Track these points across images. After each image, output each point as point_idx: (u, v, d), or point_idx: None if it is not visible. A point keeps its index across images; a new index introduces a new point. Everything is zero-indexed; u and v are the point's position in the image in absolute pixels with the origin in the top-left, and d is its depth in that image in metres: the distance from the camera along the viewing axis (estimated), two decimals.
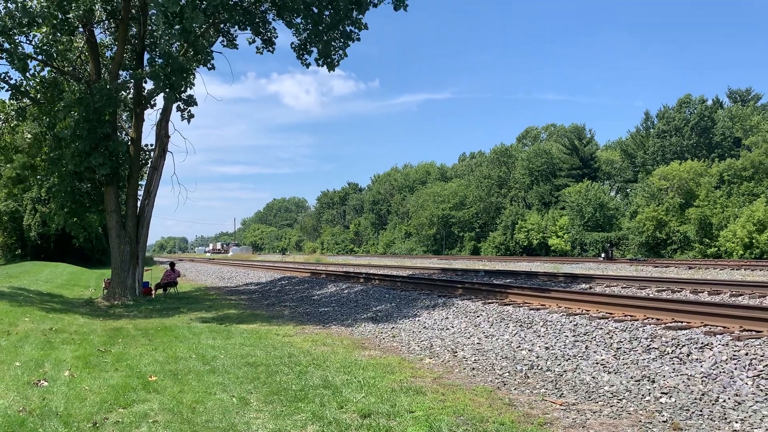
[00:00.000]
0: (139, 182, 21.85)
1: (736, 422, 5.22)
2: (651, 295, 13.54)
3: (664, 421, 5.41)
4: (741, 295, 13.28)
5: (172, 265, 24.57)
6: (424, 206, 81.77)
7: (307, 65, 20.75)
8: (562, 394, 6.56)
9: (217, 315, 15.22)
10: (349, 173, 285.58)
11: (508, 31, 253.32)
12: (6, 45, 17.98)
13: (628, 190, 66.17)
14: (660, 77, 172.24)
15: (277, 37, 21.34)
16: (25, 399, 6.50)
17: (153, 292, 21.76)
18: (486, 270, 26.28)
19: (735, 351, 7.00)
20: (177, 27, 15.06)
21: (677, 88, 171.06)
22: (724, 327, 8.21)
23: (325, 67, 20.03)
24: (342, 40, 19.94)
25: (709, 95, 77.59)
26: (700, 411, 5.59)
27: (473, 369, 7.92)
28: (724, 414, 5.45)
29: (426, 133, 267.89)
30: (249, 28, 20.63)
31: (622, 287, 16.07)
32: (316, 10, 18.90)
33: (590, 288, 16.43)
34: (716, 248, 44.23)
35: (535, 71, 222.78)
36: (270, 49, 21.74)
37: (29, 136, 21.93)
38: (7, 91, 19.73)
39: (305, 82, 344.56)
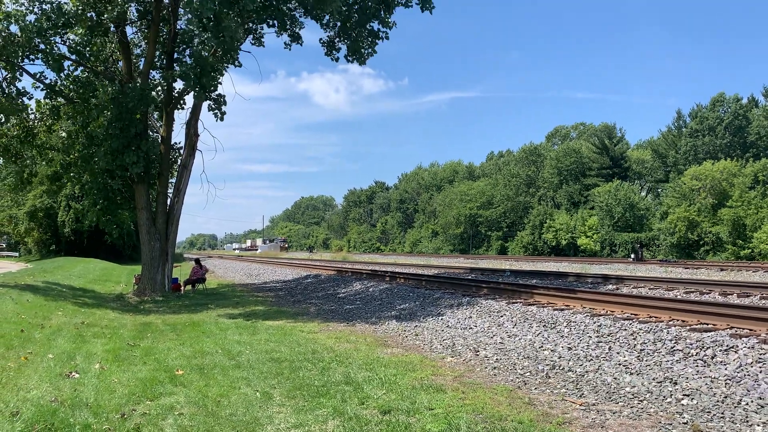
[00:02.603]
0: (169, 180, 22.25)
1: (758, 425, 5.18)
2: (678, 297, 13.38)
3: (684, 423, 5.39)
4: None
5: (197, 261, 24.95)
6: (451, 205, 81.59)
7: (336, 59, 21.00)
8: (583, 394, 6.56)
9: (244, 311, 15.44)
10: (376, 172, 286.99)
11: (538, 29, 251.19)
12: (42, 45, 18.49)
13: (659, 190, 65.24)
14: (693, 75, 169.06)
15: (303, 27, 21.46)
16: (58, 390, 6.72)
17: (182, 288, 22.15)
18: (512, 270, 26.16)
19: (761, 354, 6.92)
20: (210, 33, 15.29)
21: (711, 87, 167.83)
22: (751, 329, 8.10)
23: (355, 62, 20.24)
24: (370, 39, 20.06)
25: (744, 94, 75.88)
26: (722, 413, 5.55)
27: (494, 368, 7.95)
28: (746, 417, 5.40)
29: (454, 132, 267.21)
30: (277, 24, 20.85)
31: (650, 288, 15.89)
32: (344, 8, 19.05)
33: (617, 289, 16.28)
34: (750, 250, 43.33)
35: (565, 69, 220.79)
36: (299, 43, 21.87)
37: (64, 134, 22.48)
38: (42, 90, 20.27)
39: (335, 81, 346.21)
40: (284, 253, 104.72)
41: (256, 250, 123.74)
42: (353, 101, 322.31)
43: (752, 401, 5.74)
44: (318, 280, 24.66)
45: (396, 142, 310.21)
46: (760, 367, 6.55)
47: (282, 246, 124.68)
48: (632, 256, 43.71)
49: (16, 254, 75.73)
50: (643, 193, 66.37)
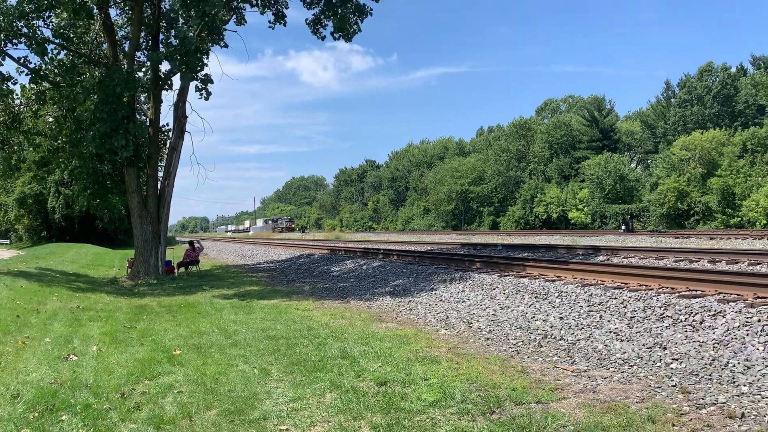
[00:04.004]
0: (159, 163, 22.15)
1: (744, 385, 5.32)
2: (668, 265, 13.54)
3: (673, 386, 5.53)
4: (759, 263, 13.23)
5: (191, 243, 24.93)
6: (443, 182, 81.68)
7: (323, 38, 20.94)
8: (575, 361, 6.69)
9: (239, 291, 15.53)
10: (367, 150, 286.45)
11: (525, 2, 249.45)
12: (24, 29, 18.24)
13: (648, 161, 65.53)
14: (682, 46, 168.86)
15: (287, 7, 21.32)
16: (57, 372, 6.79)
17: (176, 270, 22.17)
18: (504, 244, 26.33)
19: (747, 318, 7.06)
20: (193, 12, 15.16)
21: (700, 57, 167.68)
22: (738, 294, 8.25)
23: (341, 39, 20.19)
24: (356, 15, 19.94)
25: (732, 63, 76.01)
26: (709, 375, 5.69)
27: (488, 339, 8.08)
28: (733, 378, 5.55)
29: (444, 108, 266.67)
30: (260, 3, 20.68)
31: (640, 258, 16.07)
32: None
33: (607, 260, 16.45)
34: (739, 218, 43.76)
35: (553, 43, 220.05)
36: (282, 22, 21.71)
37: (51, 119, 22.29)
38: (26, 75, 20.03)
39: (323, 59, 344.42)
40: (276, 233, 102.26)
41: (249, 231, 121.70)
42: (342, 79, 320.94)
43: (739, 363, 5.89)
44: (311, 259, 24.75)
45: (386, 119, 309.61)
46: (747, 331, 6.69)
47: (288, 227, 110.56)
48: (623, 227, 44.06)
49: (7, 241, 75.33)
50: (633, 165, 66.66)
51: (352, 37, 20.06)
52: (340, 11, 19.58)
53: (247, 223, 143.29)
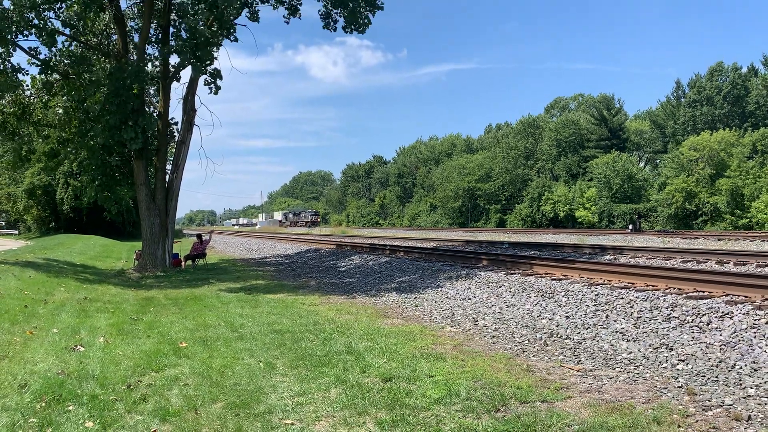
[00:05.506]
0: (167, 156, 22.20)
1: (751, 387, 5.29)
2: (675, 266, 13.48)
3: (679, 387, 5.51)
4: (767, 265, 13.15)
5: (199, 236, 24.99)
6: (450, 178, 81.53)
7: (334, 29, 20.95)
8: (580, 360, 6.68)
9: (245, 285, 15.57)
10: (375, 146, 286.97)
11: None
12: (36, 21, 18.30)
13: (657, 161, 65.22)
14: (693, 44, 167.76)
15: (301, 4, 21.33)
16: (64, 363, 6.83)
17: (183, 263, 22.25)
18: (510, 242, 26.28)
19: (755, 320, 7.03)
20: (204, 4, 15.16)
21: (710, 56, 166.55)
22: (746, 296, 8.21)
23: (353, 32, 20.22)
24: (368, 8, 19.92)
25: (743, 63, 75.39)
26: (716, 377, 5.67)
27: (493, 337, 8.07)
28: (740, 380, 5.52)
29: (452, 105, 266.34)
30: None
31: (647, 258, 16.01)
32: None
33: (614, 259, 16.40)
34: (748, 219, 43.51)
35: (563, 40, 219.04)
36: (297, 16, 21.68)
37: (60, 110, 22.38)
38: (36, 66, 20.11)
39: (333, 54, 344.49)
40: (283, 228, 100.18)
41: (256, 225, 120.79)
42: (351, 74, 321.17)
43: (746, 365, 5.86)
44: (318, 254, 24.78)
45: (394, 115, 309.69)
46: (755, 333, 6.66)
47: (313, 221, 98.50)
48: (630, 227, 43.85)
49: (16, 232, 75.81)
50: (642, 164, 66.38)
51: (364, 29, 20.05)
52: (351, 5, 19.59)
53: (261, 217, 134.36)
